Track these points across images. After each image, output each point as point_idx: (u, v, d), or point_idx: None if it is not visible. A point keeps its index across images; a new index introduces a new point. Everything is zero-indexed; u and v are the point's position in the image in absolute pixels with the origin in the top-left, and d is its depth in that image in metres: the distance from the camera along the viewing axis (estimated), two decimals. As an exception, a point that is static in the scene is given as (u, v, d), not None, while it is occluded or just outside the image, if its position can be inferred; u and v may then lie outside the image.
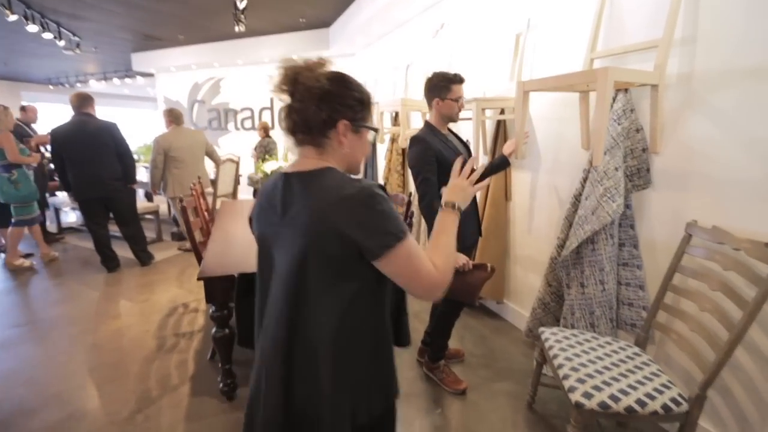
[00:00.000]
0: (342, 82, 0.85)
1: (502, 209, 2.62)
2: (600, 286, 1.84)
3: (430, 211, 1.72)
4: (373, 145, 4.79)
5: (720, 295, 1.38)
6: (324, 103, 0.81)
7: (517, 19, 2.38)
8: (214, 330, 1.75)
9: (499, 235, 2.63)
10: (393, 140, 4.06)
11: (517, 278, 2.66)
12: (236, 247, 2.04)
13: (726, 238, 1.39)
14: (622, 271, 1.86)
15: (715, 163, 1.50)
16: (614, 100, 1.76)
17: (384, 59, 4.45)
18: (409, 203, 2.34)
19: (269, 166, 2.48)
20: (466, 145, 2.03)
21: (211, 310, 1.73)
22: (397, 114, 3.90)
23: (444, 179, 1.22)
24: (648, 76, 1.58)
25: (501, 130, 2.53)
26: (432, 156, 1.73)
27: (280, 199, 0.84)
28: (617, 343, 1.64)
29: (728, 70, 1.44)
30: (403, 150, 4.02)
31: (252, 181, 4.29)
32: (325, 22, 5.21)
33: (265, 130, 5.40)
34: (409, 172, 4.12)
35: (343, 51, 5.41)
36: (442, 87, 1.79)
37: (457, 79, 1.79)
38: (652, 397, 1.30)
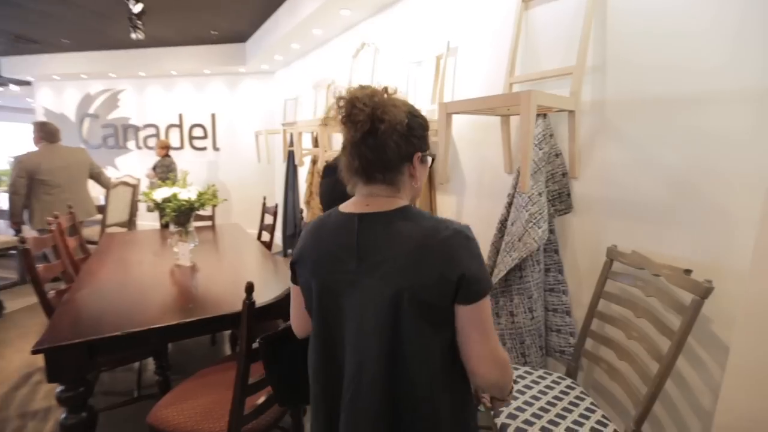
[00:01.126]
0: (413, 112, 0.81)
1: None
2: (529, 314, 1.77)
3: None
4: (293, 168, 4.51)
5: (645, 322, 1.35)
6: (404, 139, 0.76)
7: (438, 42, 2.35)
8: (63, 416, 1.24)
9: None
10: (314, 162, 3.83)
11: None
12: (111, 298, 1.61)
13: (645, 263, 1.38)
14: (549, 296, 1.82)
15: (629, 188, 1.53)
16: (537, 125, 1.75)
17: (304, 78, 4.25)
18: None
19: (160, 194, 2.08)
20: None
21: (58, 390, 1.22)
22: (317, 134, 3.70)
23: None
24: (565, 102, 1.58)
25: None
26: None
27: (356, 244, 0.76)
28: (550, 377, 1.55)
29: (635, 98, 1.48)
30: (326, 173, 3.82)
31: (152, 207, 3.68)
32: (241, 36, 4.88)
33: (166, 149, 4.82)
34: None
35: (259, 68, 5.11)
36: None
37: None
38: (591, 442, 1.20)
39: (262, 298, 1.21)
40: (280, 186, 5.12)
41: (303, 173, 4.34)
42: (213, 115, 5.61)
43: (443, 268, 0.71)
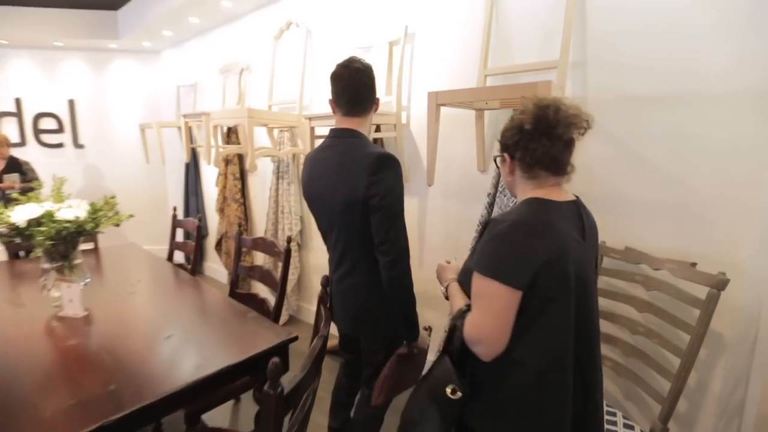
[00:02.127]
0: None
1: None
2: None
3: (413, 295, 1.27)
4: (196, 169, 3.79)
5: (649, 316, 1.37)
6: None
7: (390, 26, 2.12)
8: None
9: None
10: (227, 162, 3.25)
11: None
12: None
13: (643, 258, 1.40)
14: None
15: (612, 185, 1.54)
16: (514, 119, 1.67)
17: (206, 61, 3.57)
18: (288, 253, 1.68)
19: (23, 213, 1.41)
20: None
21: None
22: (231, 129, 3.13)
23: None
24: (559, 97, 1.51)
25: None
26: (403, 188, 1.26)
27: (581, 227, 0.91)
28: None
29: (616, 96, 1.50)
30: (243, 173, 3.27)
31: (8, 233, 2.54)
32: (111, 2, 3.85)
33: (8, 147, 3.54)
34: (253, 199, 3.42)
35: (140, 46, 4.15)
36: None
37: None
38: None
39: (225, 356, 1.01)
40: (176, 191, 4.28)
41: (209, 175, 3.67)
42: (71, 102, 4.37)
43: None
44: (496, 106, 1.72)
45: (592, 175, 1.59)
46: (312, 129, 2.07)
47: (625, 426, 1.25)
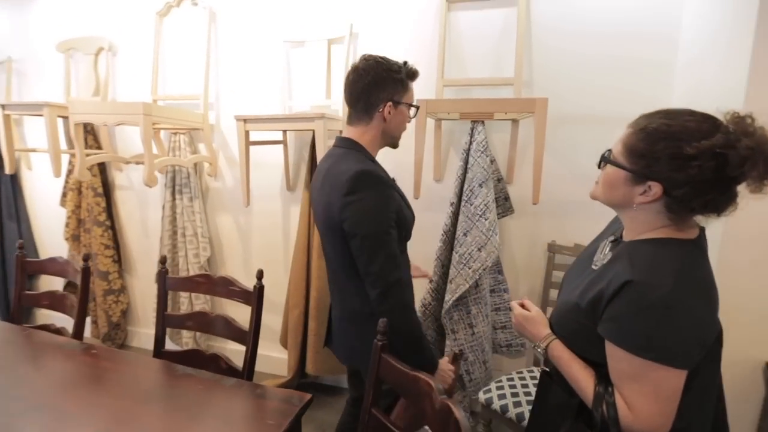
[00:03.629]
0: None
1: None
2: (486, 320, 1.79)
3: (415, 329, 1.02)
4: (13, 183, 2.71)
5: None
6: None
7: (333, 22, 1.92)
8: None
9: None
10: (69, 172, 2.41)
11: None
12: None
13: (592, 253, 1.65)
14: (490, 297, 1.89)
15: (560, 192, 1.77)
16: (475, 132, 1.73)
17: (31, 31, 2.54)
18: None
19: None
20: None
21: None
22: (86, 129, 2.33)
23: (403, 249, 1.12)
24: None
25: (315, 159, 1.98)
26: (394, 211, 1.00)
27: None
28: (533, 372, 1.64)
29: (558, 113, 1.72)
30: (107, 187, 2.48)
31: None
32: None
33: None
34: (125, 221, 2.55)
35: None
36: (397, 82, 1.05)
37: (415, 73, 1.11)
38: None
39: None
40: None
41: (39, 191, 2.64)
42: None
43: None
44: (456, 117, 1.75)
45: (542, 183, 1.78)
46: (246, 134, 1.70)
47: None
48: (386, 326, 0.89)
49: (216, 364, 1.30)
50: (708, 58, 1.37)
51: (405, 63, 1.07)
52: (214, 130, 2.17)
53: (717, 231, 1.22)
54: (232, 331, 1.30)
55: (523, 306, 0.91)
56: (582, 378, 0.76)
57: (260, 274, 1.28)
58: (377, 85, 1.03)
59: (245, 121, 1.67)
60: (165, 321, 1.37)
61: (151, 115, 1.71)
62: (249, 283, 1.29)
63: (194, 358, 1.32)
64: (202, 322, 1.35)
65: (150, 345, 1.41)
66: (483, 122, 1.72)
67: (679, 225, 0.72)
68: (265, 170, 2.09)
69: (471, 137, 1.74)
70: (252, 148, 1.96)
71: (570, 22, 1.66)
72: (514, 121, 1.72)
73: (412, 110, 1.11)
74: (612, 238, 0.84)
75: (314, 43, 1.92)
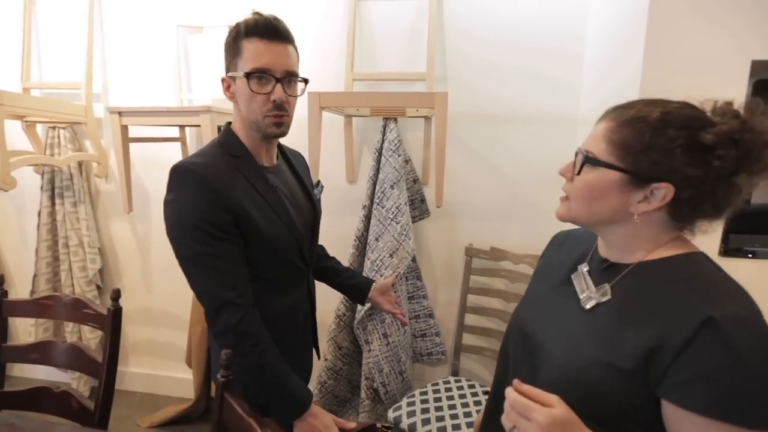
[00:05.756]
0: None
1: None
2: (402, 330, 1.69)
3: (234, 351, 0.76)
4: None
5: (515, 306, 1.57)
6: None
7: (234, 8, 1.73)
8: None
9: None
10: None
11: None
12: None
13: (505, 256, 1.60)
14: (409, 304, 1.80)
15: (474, 192, 1.71)
16: (387, 129, 1.63)
17: None
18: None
19: None
20: (309, 192, 1.01)
21: None
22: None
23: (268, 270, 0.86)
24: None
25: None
26: (222, 217, 0.78)
27: None
28: (449, 383, 1.56)
29: (470, 112, 1.66)
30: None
31: None
32: None
33: None
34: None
35: None
36: (229, 49, 0.83)
37: (254, 26, 0.79)
38: None
39: None
40: None
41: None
42: None
43: None
44: (367, 114, 1.64)
45: (455, 184, 1.71)
46: (124, 128, 1.48)
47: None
48: (229, 358, 0.73)
49: (65, 404, 1.08)
50: (606, 77, 1.36)
51: (251, 15, 0.81)
52: (103, 124, 1.90)
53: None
54: (83, 362, 1.09)
55: (523, 394, 0.53)
56: None
57: (116, 294, 1.08)
58: (227, 51, 0.83)
59: (120, 113, 1.45)
60: (2, 355, 1.13)
61: (5, 104, 1.44)
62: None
63: (39, 398, 1.09)
64: (50, 353, 1.13)
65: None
66: (395, 120, 1.63)
67: (687, 236, 0.59)
68: (163, 171, 1.85)
69: (383, 135, 1.64)
70: (146, 146, 1.74)
71: (482, 18, 1.60)
72: (427, 119, 1.64)
73: (252, 81, 0.79)
74: (591, 262, 0.66)
75: (214, 29, 1.73)
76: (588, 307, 0.61)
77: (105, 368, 1.05)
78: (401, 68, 1.67)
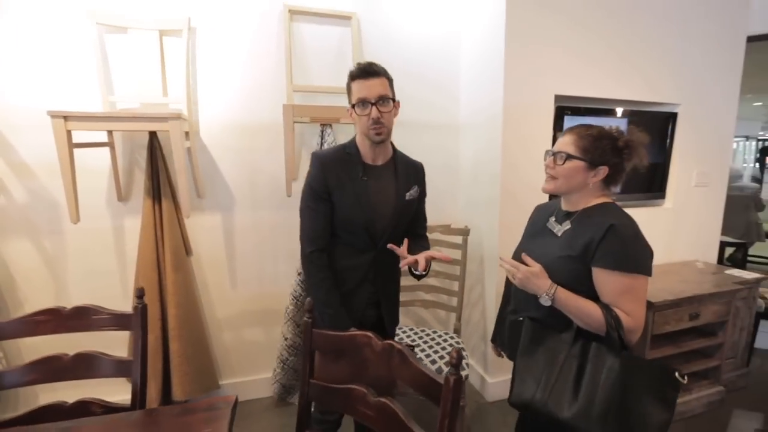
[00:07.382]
0: None
1: (185, 269, 1.90)
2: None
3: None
4: None
5: (436, 264, 2.14)
6: None
7: (165, 11, 1.73)
8: None
9: (190, 305, 1.90)
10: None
11: (229, 349, 2.10)
12: None
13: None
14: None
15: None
16: (325, 134, 1.95)
17: None
18: None
19: None
20: (400, 191, 1.29)
21: None
22: None
23: (341, 234, 1.25)
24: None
25: (157, 164, 1.77)
26: (321, 186, 1.21)
27: None
28: (405, 331, 2.02)
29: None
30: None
31: None
32: None
33: None
34: None
35: None
36: (348, 88, 1.23)
37: (354, 72, 1.18)
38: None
39: None
40: None
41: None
42: None
43: None
44: (307, 121, 1.92)
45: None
46: (68, 134, 1.39)
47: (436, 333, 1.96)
48: (311, 304, 1.04)
49: (87, 412, 1.09)
50: (477, 100, 2.03)
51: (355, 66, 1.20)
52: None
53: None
54: (108, 366, 1.12)
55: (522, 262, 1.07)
56: (590, 305, 0.99)
57: (140, 292, 1.15)
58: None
59: (65, 118, 1.36)
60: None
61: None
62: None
63: (49, 417, 1.07)
64: (55, 370, 1.10)
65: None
66: (331, 125, 1.96)
67: (608, 193, 1.09)
68: (83, 178, 1.71)
69: (322, 139, 1.95)
70: (53, 151, 1.60)
71: (384, 47, 2.07)
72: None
73: (358, 108, 1.18)
74: (557, 215, 1.15)
75: (142, 32, 1.71)
76: (559, 234, 1.11)
77: (139, 362, 1.12)
78: (331, 82, 2.00)
